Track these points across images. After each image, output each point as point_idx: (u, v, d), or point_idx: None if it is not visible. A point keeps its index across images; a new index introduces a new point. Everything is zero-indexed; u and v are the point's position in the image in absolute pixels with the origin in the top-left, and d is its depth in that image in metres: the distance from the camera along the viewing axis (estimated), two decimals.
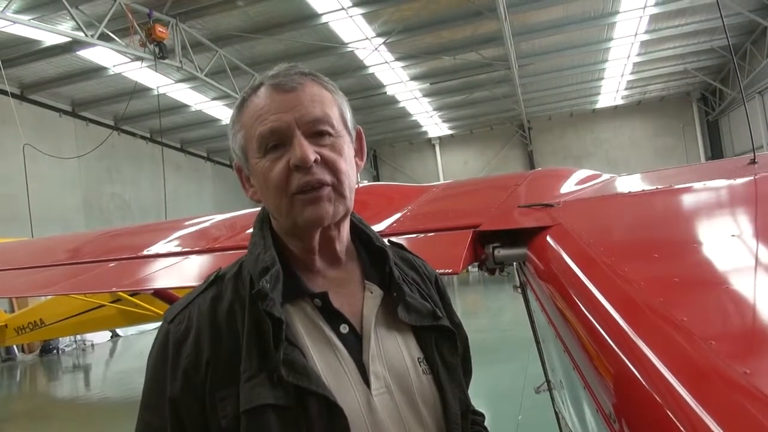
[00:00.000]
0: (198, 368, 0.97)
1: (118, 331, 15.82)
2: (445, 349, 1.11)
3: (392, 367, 1.04)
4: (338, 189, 1.04)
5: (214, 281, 1.08)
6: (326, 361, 1.00)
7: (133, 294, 8.54)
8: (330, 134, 1.04)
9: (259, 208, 1.19)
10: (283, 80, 1.05)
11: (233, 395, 0.94)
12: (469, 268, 1.62)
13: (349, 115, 1.12)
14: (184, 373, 0.97)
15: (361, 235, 1.18)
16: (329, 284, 1.09)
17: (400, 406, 1.02)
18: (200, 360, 0.97)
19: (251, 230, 1.15)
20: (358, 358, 1.03)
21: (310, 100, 1.03)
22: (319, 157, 1.01)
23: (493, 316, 13.85)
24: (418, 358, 1.08)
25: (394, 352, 1.06)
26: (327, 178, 1.02)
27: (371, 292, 1.10)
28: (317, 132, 1.03)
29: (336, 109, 1.08)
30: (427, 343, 1.10)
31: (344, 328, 1.04)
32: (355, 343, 1.04)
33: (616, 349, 0.86)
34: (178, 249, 2.53)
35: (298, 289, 1.05)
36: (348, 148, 1.09)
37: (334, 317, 1.04)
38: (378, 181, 26.16)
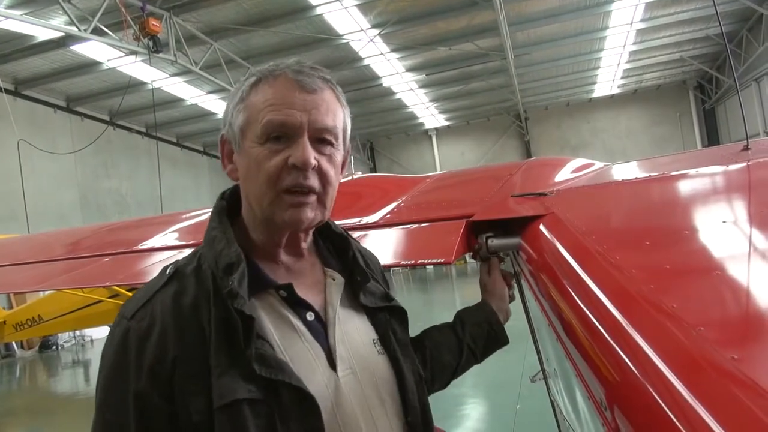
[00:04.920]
0: (164, 364, 0.95)
1: None
2: (398, 328, 1.21)
3: (354, 349, 1.11)
4: (322, 198, 1.08)
5: (173, 276, 1.05)
6: (294, 350, 1.03)
7: (131, 289, 8.54)
8: (332, 145, 1.08)
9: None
10: (307, 79, 1.05)
11: (203, 390, 0.94)
12: (467, 258, 1.62)
13: (348, 131, 1.15)
14: (149, 368, 0.95)
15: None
16: (292, 274, 1.13)
17: (363, 386, 1.09)
18: (166, 356, 0.95)
19: (210, 224, 1.13)
20: (324, 342, 1.08)
21: (326, 108, 1.06)
22: (316, 164, 1.04)
23: None
24: (373, 339, 1.16)
25: (355, 335, 1.13)
26: (316, 185, 1.05)
27: (333, 279, 1.16)
28: (321, 139, 1.06)
29: (342, 122, 1.11)
30: (381, 323, 1.19)
31: (310, 316, 1.08)
32: (320, 329, 1.09)
33: (607, 336, 0.86)
34: (174, 243, 2.53)
35: (262, 281, 1.07)
36: (340, 161, 1.13)
37: (299, 306, 1.08)
38: (375, 173, 26.16)
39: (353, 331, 1.13)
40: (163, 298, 1.01)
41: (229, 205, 1.15)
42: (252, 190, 1.06)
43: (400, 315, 1.24)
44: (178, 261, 1.10)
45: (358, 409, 1.05)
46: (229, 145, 1.11)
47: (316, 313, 1.09)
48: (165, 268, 1.08)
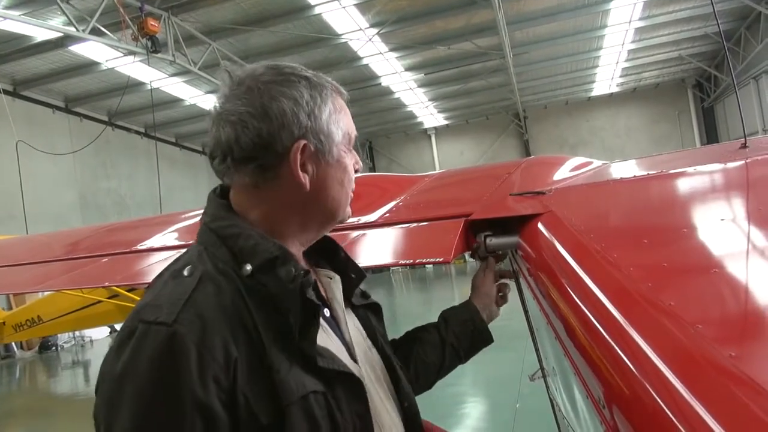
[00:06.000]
0: (228, 369, 0.88)
1: (117, 326, 15.83)
2: (377, 323, 1.27)
3: (358, 344, 1.16)
4: None
5: (201, 277, 0.97)
6: (325, 344, 1.03)
7: (131, 290, 8.54)
8: None
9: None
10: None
11: (267, 391, 0.91)
12: (467, 257, 1.62)
13: None
14: (213, 377, 0.87)
15: None
16: None
17: (372, 378, 1.13)
18: (229, 359, 0.89)
19: (213, 221, 1.06)
20: (342, 338, 1.12)
21: None
22: None
23: None
24: (363, 335, 1.21)
25: (354, 331, 1.18)
26: None
27: (330, 278, 1.19)
28: None
29: None
30: (364, 319, 1.24)
31: (326, 312, 1.11)
32: (334, 325, 1.12)
33: (605, 334, 0.86)
34: (174, 243, 2.52)
35: None
36: None
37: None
38: (374, 172, 26.16)
39: (352, 328, 1.17)
40: (206, 300, 0.93)
41: None
42: (332, 195, 1.10)
43: (377, 310, 1.29)
44: (189, 263, 1.01)
45: (376, 399, 1.10)
46: (309, 154, 1.05)
47: (329, 310, 1.13)
48: (178, 271, 1.00)
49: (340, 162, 1.09)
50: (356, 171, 1.16)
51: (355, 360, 1.10)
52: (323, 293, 1.15)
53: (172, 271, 1.01)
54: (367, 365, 1.14)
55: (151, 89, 15.06)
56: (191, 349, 0.86)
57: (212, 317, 0.91)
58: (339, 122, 1.09)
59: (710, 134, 25.21)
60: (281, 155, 1.02)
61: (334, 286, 1.17)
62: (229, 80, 1.07)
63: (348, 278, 1.21)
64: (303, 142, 1.03)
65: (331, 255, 1.23)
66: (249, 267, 0.97)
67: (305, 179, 1.04)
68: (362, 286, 1.28)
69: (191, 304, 0.91)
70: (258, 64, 1.08)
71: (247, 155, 1.02)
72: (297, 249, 1.12)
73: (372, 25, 15.31)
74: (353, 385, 1.01)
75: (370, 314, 1.26)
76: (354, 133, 1.14)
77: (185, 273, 0.98)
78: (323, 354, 0.98)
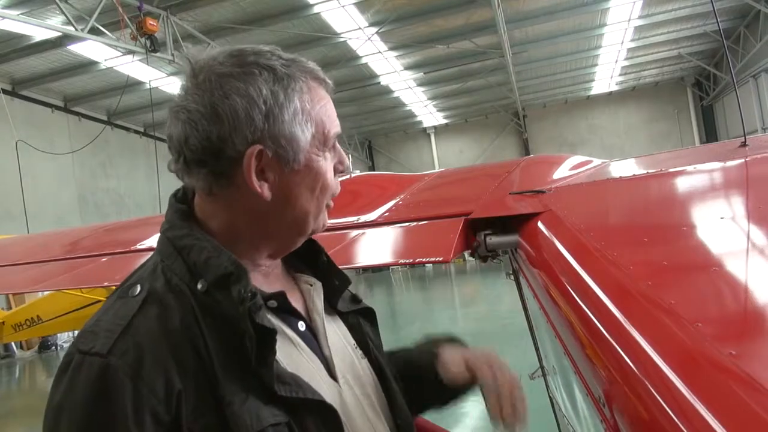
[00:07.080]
0: (169, 404, 0.80)
1: None
2: (371, 330, 1.14)
3: (343, 358, 1.04)
4: None
5: (146, 298, 0.88)
6: (296, 364, 0.93)
7: None
8: None
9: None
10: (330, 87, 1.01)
11: (216, 425, 0.82)
12: (466, 256, 1.62)
13: None
14: (151, 412, 0.79)
15: None
16: (270, 282, 1.02)
17: (358, 394, 1.02)
18: (171, 393, 0.80)
19: (170, 230, 0.97)
20: (320, 353, 1.00)
21: None
22: None
23: (490, 305, 13.92)
24: (352, 345, 1.09)
25: (339, 342, 1.06)
26: None
27: (310, 285, 1.07)
28: None
29: None
30: (355, 327, 1.11)
31: (302, 326, 1.00)
32: (312, 339, 1.01)
33: (605, 333, 0.86)
34: None
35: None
36: None
37: (289, 316, 0.98)
38: (373, 171, 26.16)
39: (336, 338, 1.06)
40: (147, 325, 0.84)
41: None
42: (304, 204, 0.96)
43: (370, 316, 1.16)
44: (139, 280, 0.92)
45: (360, 420, 1.00)
46: (267, 161, 0.91)
47: (306, 322, 1.01)
48: (126, 290, 0.91)
49: (310, 167, 0.94)
50: (340, 172, 1.01)
51: (335, 378, 0.99)
52: (302, 304, 1.04)
53: (122, 289, 0.92)
54: (353, 380, 1.03)
55: (150, 88, 15.02)
56: (125, 383, 0.79)
57: (152, 345, 0.82)
58: (308, 122, 0.93)
59: (709, 133, 25.21)
60: (235, 160, 0.90)
61: (314, 293, 1.06)
62: (189, 68, 0.93)
63: (331, 284, 1.09)
64: (258, 147, 0.89)
65: (313, 259, 1.11)
66: (204, 283, 0.88)
67: (263, 188, 0.91)
68: (353, 289, 1.16)
69: (130, 331, 0.83)
70: (222, 49, 0.94)
71: (197, 158, 0.91)
72: (265, 260, 1.01)
73: (371, 24, 15.30)
74: (324, 413, 0.90)
75: (363, 321, 1.13)
76: (334, 130, 0.98)
77: (133, 292, 0.89)
78: (286, 381, 0.87)
